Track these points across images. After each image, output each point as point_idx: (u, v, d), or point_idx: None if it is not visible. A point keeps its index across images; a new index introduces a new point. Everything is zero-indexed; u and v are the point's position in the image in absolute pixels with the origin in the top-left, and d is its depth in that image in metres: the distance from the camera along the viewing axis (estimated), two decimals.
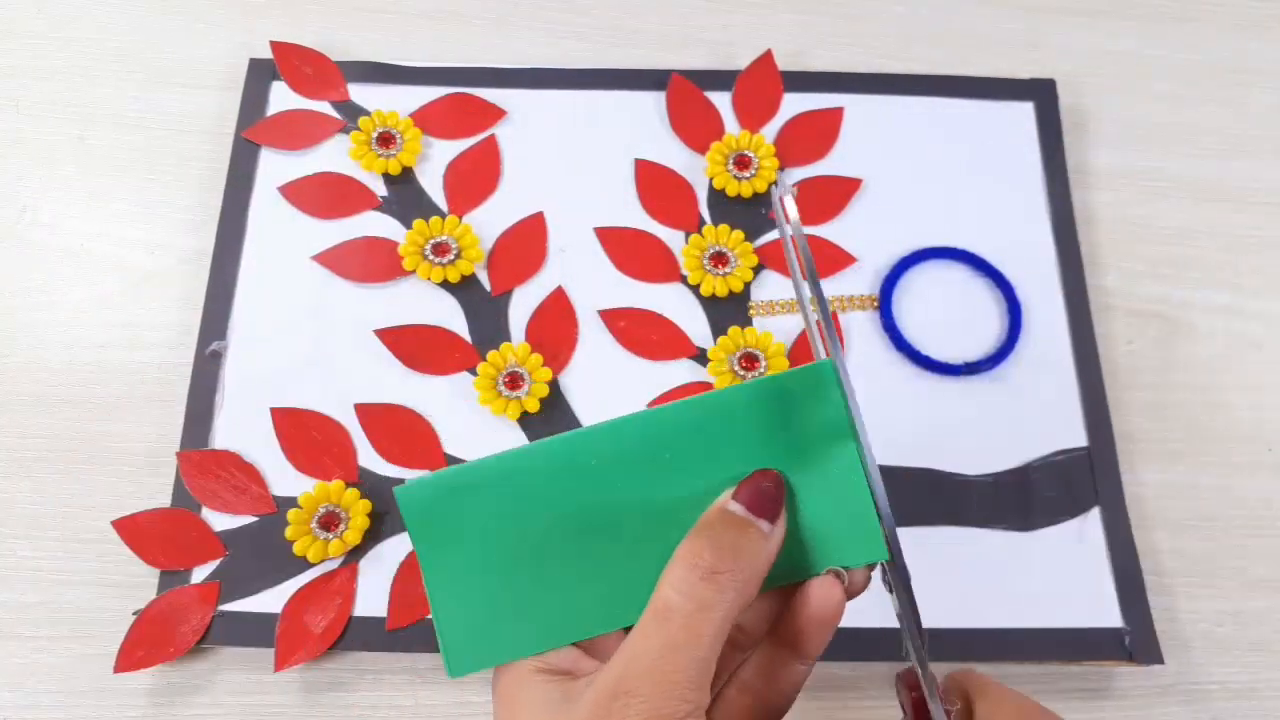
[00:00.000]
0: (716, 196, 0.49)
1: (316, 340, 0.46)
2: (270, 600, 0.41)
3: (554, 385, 0.45)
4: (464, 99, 0.51)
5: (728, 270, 0.47)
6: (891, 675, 0.42)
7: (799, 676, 0.28)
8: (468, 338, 0.46)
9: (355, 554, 0.42)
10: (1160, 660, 0.41)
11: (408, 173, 0.49)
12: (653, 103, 0.52)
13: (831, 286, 0.48)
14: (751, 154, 0.50)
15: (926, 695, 0.26)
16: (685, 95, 0.51)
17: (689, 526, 0.26)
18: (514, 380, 0.44)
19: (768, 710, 0.28)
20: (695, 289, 0.47)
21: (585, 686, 0.25)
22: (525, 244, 0.48)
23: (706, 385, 0.45)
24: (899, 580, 0.26)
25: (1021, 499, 0.44)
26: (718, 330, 0.46)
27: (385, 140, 0.49)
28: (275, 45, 0.51)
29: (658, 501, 0.26)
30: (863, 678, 0.41)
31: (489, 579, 0.26)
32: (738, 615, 0.25)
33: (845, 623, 0.41)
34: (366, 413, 0.44)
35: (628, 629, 0.27)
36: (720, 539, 0.25)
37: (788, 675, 0.28)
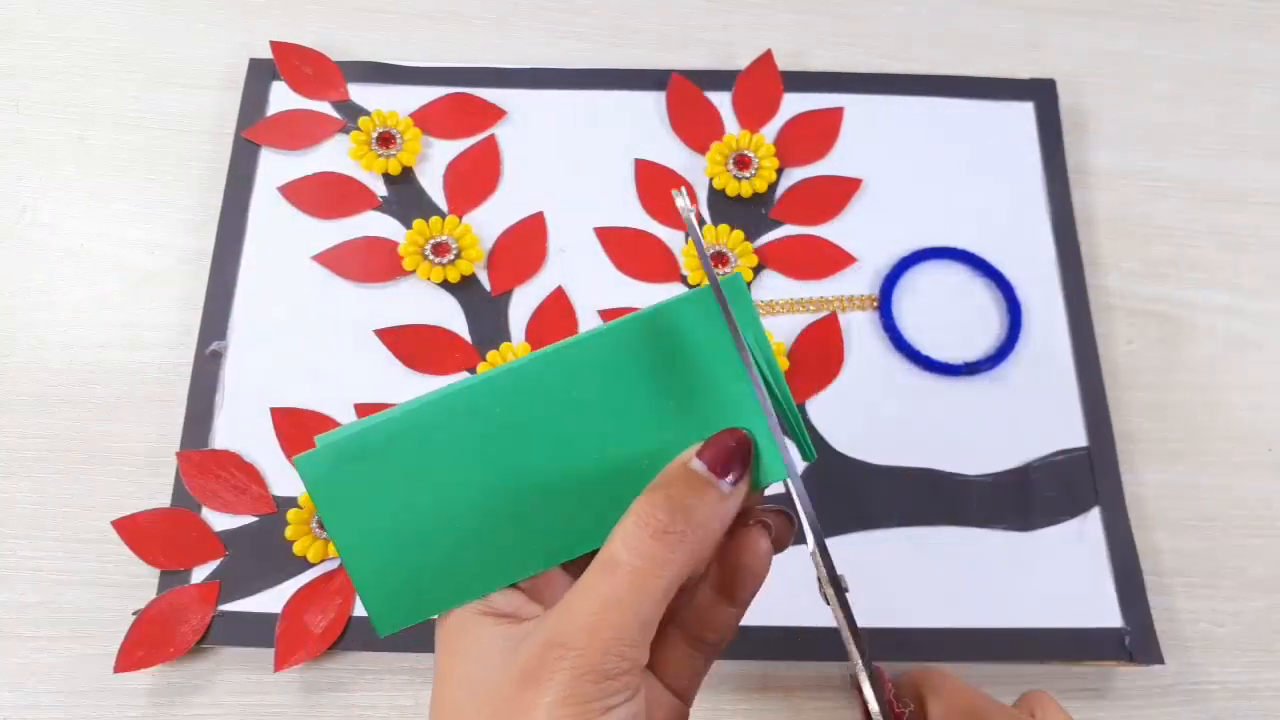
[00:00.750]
0: (716, 196, 0.49)
1: (316, 340, 0.46)
2: (270, 600, 0.41)
3: None
4: (464, 99, 0.51)
5: (728, 270, 0.47)
6: (894, 674, 0.42)
7: (732, 619, 0.28)
8: (468, 338, 0.46)
9: None
10: (1160, 660, 0.41)
11: (408, 173, 0.50)
12: (653, 103, 0.52)
13: (832, 286, 0.48)
14: (751, 154, 0.50)
15: (865, 697, 0.25)
16: (685, 95, 0.51)
17: (605, 461, 0.26)
18: None
19: (707, 648, 0.28)
20: (695, 289, 0.47)
21: (525, 634, 0.24)
22: (525, 244, 0.48)
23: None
24: (828, 568, 0.26)
25: (1021, 499, 0.44)
26: None
27: (385, 140, 0.49)
28: (275, 45, 0.51)
29: (570, 439, 0.26)
30: None
31: (405, 535, 0.26)
32: (688, 575, 0.24)
33: None
34: (366, 413, 0.44)
35: (570, 570, 0.27)
36: (676, 498, 0.24)
37: (721, 617, 0.28)
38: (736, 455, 0.25)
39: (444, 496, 0.26)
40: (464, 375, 0.45)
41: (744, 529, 0.27)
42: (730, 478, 0.25)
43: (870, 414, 0.45)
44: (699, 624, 0.28)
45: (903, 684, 0.29)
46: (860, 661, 0.26)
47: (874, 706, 0.25)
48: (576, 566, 0.27)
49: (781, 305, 0.47)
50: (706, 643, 0.28)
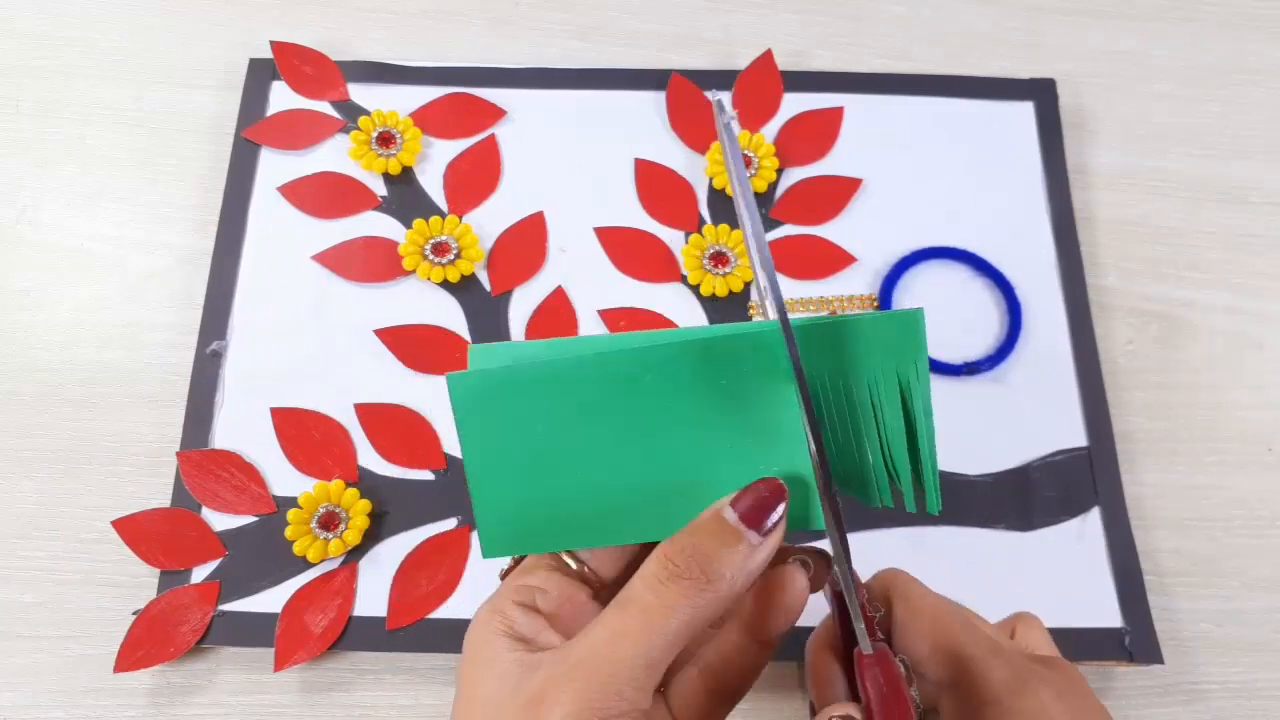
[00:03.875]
0: (716, 196, 0.49)
1: (316, 340, 0.46)
2: (270, 600, 0.41)
3: None
4: (464, 99, 0.51)
5: (728, 270, 0.47)
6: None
7: (758, 661, 0.28)
8: (468, 338, 0.46)
9: (355, 554, 0.42)
10: (1160, 660, 0.41)
11: (408, 172, 0.49)
12: (653, 103, 0.52)
13: (832, 286, 0.48)
14: (752, 154, 0.50)
15: (847, 598, 0.25)
16: (685, 95, 0.51)
17: (703, 459, 0.26)
18: None
19: (724, 692, 0.28)
20: (695, 289, 0.47)
21: (539, 663, 0.24)
22: (525, 244, 0.48)
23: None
24: (823, 474, 0.26)
25: (1021, 499, 0.44)
26: None
27: (385, 140, 0.49)
28: (275, 45, 0.51)
29: (702, 424, 0.26)
30: None
31: (529, 473, 0.27)
32: (704, 624, 0.24)
33: None
34: (366, 413, 0.44)
35: (600, 601, 0.28)
36: (702, 546, 0.24)
37: (747, 659, 0.28)
38: (770, 507, 0.25)
39: (574, 448, 0.27)
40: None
41: (781, 567, 0.27)
42: (761, 530, 0.25)
43: None
44: (722, 665, 0.28)
45: (873, 589, 0.29)
46: (845, 567, 0.26)
47: (853, 608, 0.26)
48: (606, 599, 0.28)
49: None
50: (727, 688, 0.28)
